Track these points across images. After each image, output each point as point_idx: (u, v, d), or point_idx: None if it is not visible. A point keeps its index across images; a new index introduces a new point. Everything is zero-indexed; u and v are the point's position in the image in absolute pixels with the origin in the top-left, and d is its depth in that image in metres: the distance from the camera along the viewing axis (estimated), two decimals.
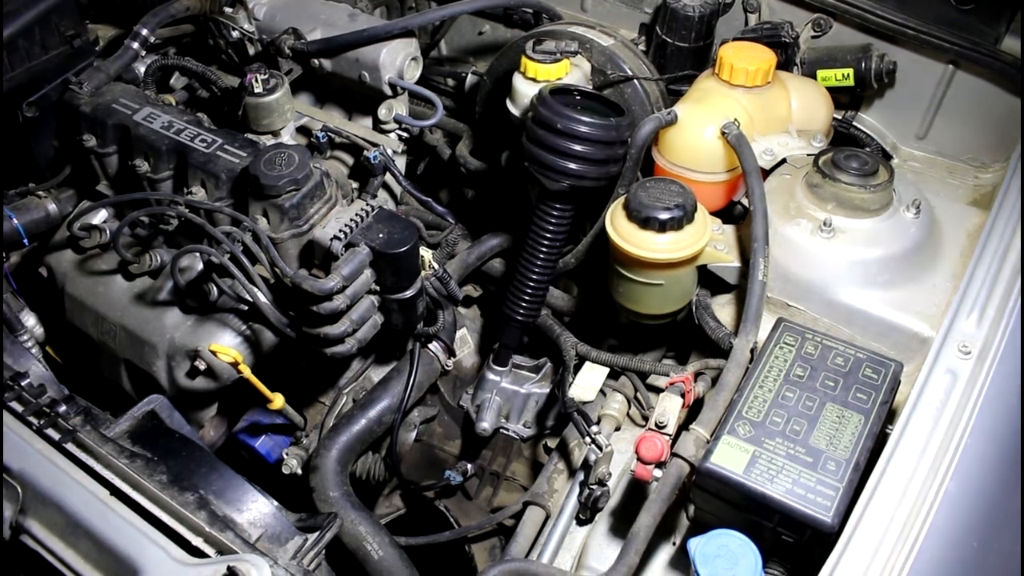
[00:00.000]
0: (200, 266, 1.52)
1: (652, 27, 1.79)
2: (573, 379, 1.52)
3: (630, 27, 1.88)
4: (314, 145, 1.77)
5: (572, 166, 1.42)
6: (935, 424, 1.08)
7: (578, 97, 1.52)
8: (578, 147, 1.41)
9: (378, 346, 1.69)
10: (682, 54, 1.71)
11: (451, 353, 1.69)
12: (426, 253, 1.52)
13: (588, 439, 1.34)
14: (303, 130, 1.83)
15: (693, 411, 1.27)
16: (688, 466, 1.14)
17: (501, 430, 1.71)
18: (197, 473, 1.15)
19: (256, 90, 1.62)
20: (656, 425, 1.23)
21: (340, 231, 1.39)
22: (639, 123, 1.45)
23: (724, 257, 1.41)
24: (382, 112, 1.82)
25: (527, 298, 1.59)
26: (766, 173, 1.48)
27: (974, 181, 1.70)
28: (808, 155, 1.50)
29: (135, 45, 1.75)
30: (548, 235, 1.54)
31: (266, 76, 1.63)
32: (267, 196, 1.39)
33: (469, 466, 1.71)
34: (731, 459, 1.09)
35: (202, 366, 1.51)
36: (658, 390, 1.42)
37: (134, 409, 1.29)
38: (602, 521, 1.37)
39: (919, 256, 1.36)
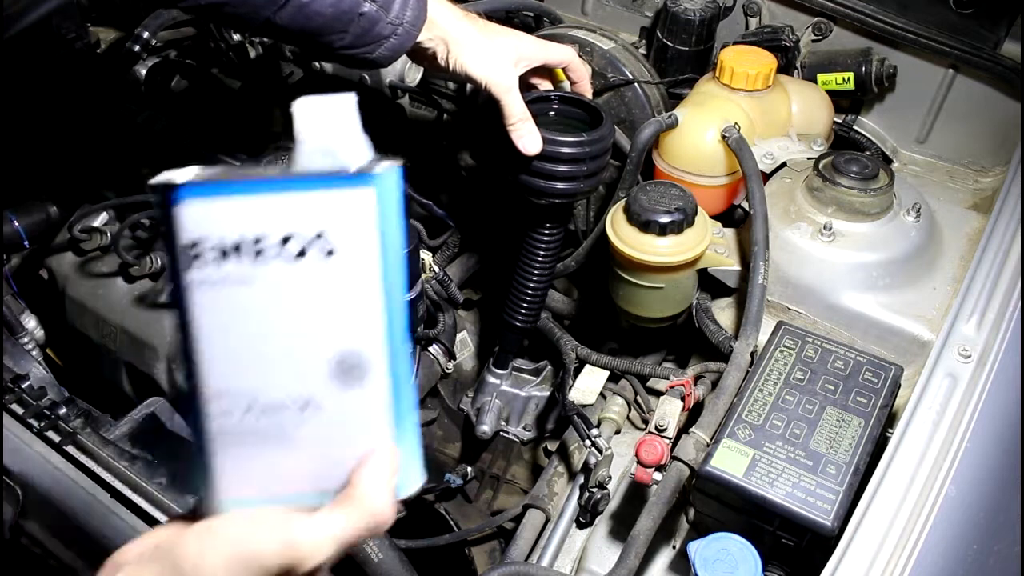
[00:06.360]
0: None
1: (652, 31, 1.79)
2: (573, 382, 1.51)
3: (630, 30, 1.88)
4: None
5: (555, 185, 1.36)
6: (935, 428, 1.08)
7: (555, 105, 1.41)
8: (548, 166, 1.33)
9: None
10: (682, 58, 1.71)
11: (451, 356, 1.68)
12: (426, 256, 1.52)
13: (588, 442, 1.34)
14: None
15: (693, 414, 1.27)
16: (688, 469, 1.14)
17: (501, 433, 1.71)
18: None
19: None
20: (656, 428, 1.23)
21: None
22: (640, 127, 1.45)
23: (724, 260, 1.41)
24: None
25: (526, 303, 1.59)
26: (766, 177, 1.48)
27: (974, 185, 1.70)
28: (808, 159, 1.50)
29: (136, 48, 1.76)
30: (543, 242, 1.53)
31: None
32: None
33: (469, 469, 1.71)
34: (731, 462, 1.09)
35: None
36: (658, 393, 1.42)
37: (134, 411, 1.29)
38: (602, 524, 1.37)
39: (919, 260, 1.36)
